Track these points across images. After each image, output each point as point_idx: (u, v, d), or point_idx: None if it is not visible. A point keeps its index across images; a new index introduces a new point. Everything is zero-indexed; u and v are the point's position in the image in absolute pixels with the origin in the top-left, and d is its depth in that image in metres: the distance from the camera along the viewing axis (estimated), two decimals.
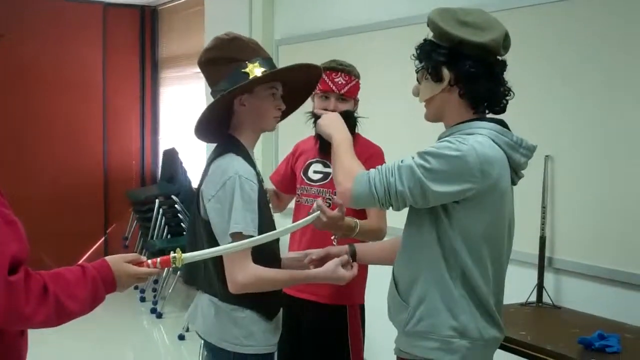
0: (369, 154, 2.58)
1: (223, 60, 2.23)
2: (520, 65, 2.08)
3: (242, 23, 5.22)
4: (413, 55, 2.01)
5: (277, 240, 2.34)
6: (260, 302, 2.23)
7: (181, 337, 5.14)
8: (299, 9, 4.92)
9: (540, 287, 3.10)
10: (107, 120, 7.01)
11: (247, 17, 5.34)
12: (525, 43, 3.05)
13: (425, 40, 1.98)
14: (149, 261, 1.87)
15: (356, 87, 2.74)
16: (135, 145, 7.24)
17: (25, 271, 1.61)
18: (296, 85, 2.39)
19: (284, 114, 2.43)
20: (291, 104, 2.46)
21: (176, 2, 6.96)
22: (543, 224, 3.11)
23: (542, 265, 3.12)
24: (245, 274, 2.13)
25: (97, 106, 6.94)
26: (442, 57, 1.90)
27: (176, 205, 6.23)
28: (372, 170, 1.91)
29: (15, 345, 1.77)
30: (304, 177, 2.90)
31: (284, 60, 4.85)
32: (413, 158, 1.86)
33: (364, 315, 2.81)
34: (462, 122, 1.93)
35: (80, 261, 1.84)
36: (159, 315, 5.64)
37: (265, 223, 2.24)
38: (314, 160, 2.86)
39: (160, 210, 6.23)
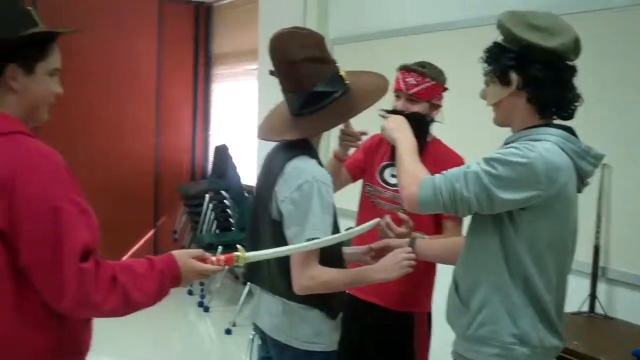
0: (447, 163, 2.47)
1: (320, 60, 2.19)
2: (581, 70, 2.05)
3: (297, 21, 5.20)
4: (481, 58, 1.99)
5: (342, 244, 2.34)
6: (327, 301, 2.23)
7: (228, 332, 5.18)
8: (355, 7, 4.90)
9: (592, 296, 3.05)
10: (159, 115, 7.09)
11: (302, 15, 5.33)
12: (590, 48, 3.00)
13: (494, 43, 1.96)
14: (213, 258, 1.89)
15: (431, 90, 2.64)
16: (187, 140, 7.31)
17: (95, 260, 1.66)
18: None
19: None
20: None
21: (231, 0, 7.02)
22: (597, 232, 3.06)
23: (595, 275, 3.06)
24: (310, 275, 2.13)
25: (150, 100, 7.02)
26: (511, 60, 1.88)
27: (225, 201, 6.29)
28: (437, 175, 1.90)
29: (81, 333, 1.82)
30: (379, 179, 2.85)
31: (339, 60, 4.84)
32: (479, 164, 1.84)
33: (431, 323, 2.77)
34: (529, 128, 1.90)
35: (129, 253, 1.88)
36: (206, 309, 5.70)
37: (335, 226, 2.24)
38: (391, 163, 2.80)
39: (210, 205, 6.30)
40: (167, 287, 1.78)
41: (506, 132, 2.05)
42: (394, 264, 2.23)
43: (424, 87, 2.68)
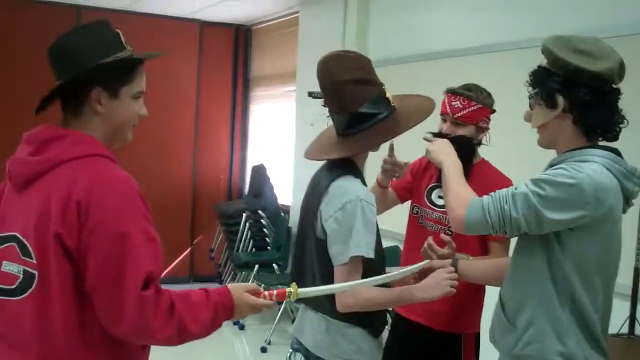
0: (494, 186, 2.44)
1: (366, 82, 2.24)
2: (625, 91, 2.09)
3: (336, 44, 5.28)
4: (526, 81, 2.03)
5: (384, 259, 2.37)
6: (369, 319, 2.26)
7: (263, 350, 5.22)
8: (394, 29, 4.97)
9: (632, 318, 3.03)
10: (198, 135, 7.22)
11: (341, 38, 5.41)
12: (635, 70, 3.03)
13: (539, 66, 2.00)
14: (266, 292, 1.92)
15: (477, 113, 2.65)
16: (224, 160, 7.41)
17: (156, 287, 1.68)
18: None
19: None
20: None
21: (270, 23, 7.12)
22: (638, 255, 3.05)
23: (635, 296, 3.05)
24: (352, 293, 2.17)
25: (190, 120, 7.16)
26: (557, 84, 1.92)
27: (262, 220, 6.36)
28: (485, 197, 1.94)
29: (138, 358, 1.84)
30: (426, 200, 2.87)
31: None
32: (527, 185, 1.88)
33: (479, 344, 2.75)
34: (575, 149, 1.93)
35: (166, 271, 1.91)
36: (242, 327, 5.75)
37: (379, 246, 2.27)
38: (438, 184, 2.80)
39: (247, 224, 6.38)
40: (221, 319, 1.79)
41: (550, 153, 2.08)
42: (435, 283, 2.26)
43: (469, 111, 2.70)
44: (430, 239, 2.42)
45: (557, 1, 3.76)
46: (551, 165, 1.96)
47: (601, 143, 1.98)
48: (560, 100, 1.92)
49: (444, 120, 2.72)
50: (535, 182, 1.86)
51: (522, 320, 1.93)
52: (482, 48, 4.15)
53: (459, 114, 2.68)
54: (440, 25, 4.55)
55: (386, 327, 2.43)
